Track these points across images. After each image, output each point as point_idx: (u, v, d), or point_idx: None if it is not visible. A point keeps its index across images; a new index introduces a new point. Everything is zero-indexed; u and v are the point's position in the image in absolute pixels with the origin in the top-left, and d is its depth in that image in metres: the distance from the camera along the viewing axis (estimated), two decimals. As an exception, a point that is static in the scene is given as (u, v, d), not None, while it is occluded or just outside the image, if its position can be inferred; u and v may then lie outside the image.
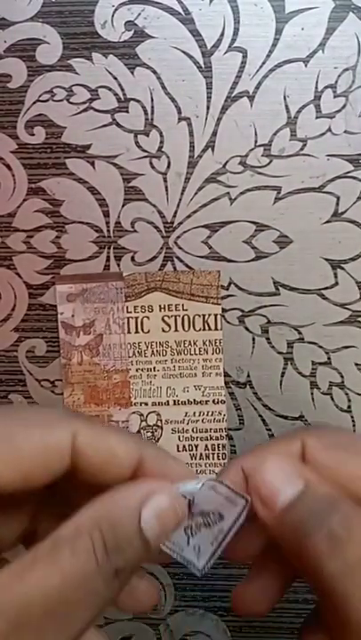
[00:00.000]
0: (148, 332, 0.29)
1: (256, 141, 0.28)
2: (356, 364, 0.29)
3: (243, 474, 0.19)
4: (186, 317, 0.29)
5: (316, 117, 0.28)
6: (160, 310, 0.29)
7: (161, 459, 0.20)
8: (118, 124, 0.29)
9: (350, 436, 0.20)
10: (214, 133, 0.28)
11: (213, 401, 0.29)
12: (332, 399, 0.29)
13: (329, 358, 0.29)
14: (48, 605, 0.15)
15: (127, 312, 0.29)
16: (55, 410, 0.21)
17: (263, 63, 0.28)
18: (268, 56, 0.28)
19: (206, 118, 0.28)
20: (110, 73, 0.29)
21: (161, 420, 0.29)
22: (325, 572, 0.16)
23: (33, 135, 0.29)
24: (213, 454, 0.29)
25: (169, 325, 0.29)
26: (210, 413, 0.29)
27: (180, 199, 0.29)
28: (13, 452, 0.17)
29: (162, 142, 0.29)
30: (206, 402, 0.29)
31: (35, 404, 0.30)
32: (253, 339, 0.29)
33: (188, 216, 0.29)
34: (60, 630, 0.15)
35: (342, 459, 0.18)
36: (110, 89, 0.29)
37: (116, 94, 0.29)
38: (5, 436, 0.18)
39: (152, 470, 0.19)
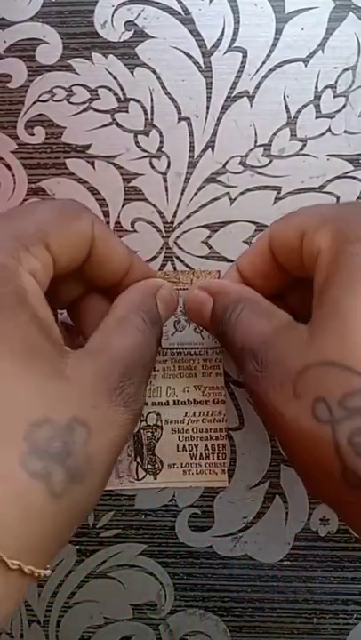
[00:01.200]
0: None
1: (256, 141, 0.28)
2: (356, 364, 0.29)
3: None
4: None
5: (316, 117, 0.28)
6: (160, 310, 0.29)
7: (146, 267, 0.27)
8: (118, 124, 0.29)
9: None
10: (214, 133, 0.28)
11: (213, 401, 0.29)
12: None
13: (329, 358, 0.29)
14: (138, 356, 0.21)
15: (127, 312, 0.29)
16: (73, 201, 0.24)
17: (263, 63, 0.28)
18: (268, 56, 0.28)
19: (206, 118, 0.28)
20: (110, 73, 0.29)
21: (161, 420, 0.29)
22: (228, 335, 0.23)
23: (33, 135, 0.29)
24: (213, 454, 0.29)
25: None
26: (210, 413, 0.29)
27: (180, 199, 0.29)
28: (65, 238, 0.22)
29: (162, 142, 0.29)
30: (206, 402, 0.29)
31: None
32: (253, 339, 0.29)
33: (188, 216, 0.29)
34: (144, 373, 0.22)
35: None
36: (110, 89, 0.29)
37: (115, 94, 0.29)
38: (57, 223, 0.21)
39: (139, 273, 0.25)
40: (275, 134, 0.28)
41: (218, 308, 0.24)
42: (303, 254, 0.22)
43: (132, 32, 0.28)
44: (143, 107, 0.29)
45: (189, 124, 0.28)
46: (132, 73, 0.28)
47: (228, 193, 0.29)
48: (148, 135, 0.29)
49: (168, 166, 0.29)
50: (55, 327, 0.20)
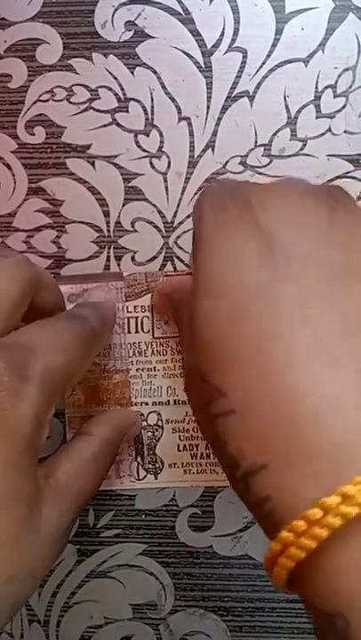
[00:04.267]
0: (148, 331, 0.29)
1: (256, 141, 0.28)
2: (356, 364, 0.29)
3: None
4: (186, 317, 0.29)
5: (316, 117, 0.28)
6: (160, 310, 0.29)
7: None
8: (118, 124, 0.29)
9: None
10: (214, 133, 0.28)
11: (214, 401, 0.29)
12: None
13: (329, 358, 0.29)
14: (92, 495, 0.22)
15: (127, 312, 0.29)
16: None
17: (263, 63, 0.28)
18: (268, 56, 0.28)
19: (206, 118, 0.28)
20: (110, 73, 0.29)
21: (161, 420, 0.29)
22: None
23: (33, 135, 0.29)
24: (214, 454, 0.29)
25: (169, 325, 0.29)
26: (210, 413, 0.29)
27: (181, 199, 0.29)
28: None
29: (162, 142, 0.29)
30: (206, 402, 0.29)
31: None
32: (253, 338, 0.29)
33: (188, 216, 0.29)
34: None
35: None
36: (110, 89, 0.29)
37: (116, 94, 0.29)
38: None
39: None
40: (275, 134, 0.28)
41: (174, 309, 0.25)
42: None
43: (132, 32, 0.28)
44: (143, 107, 0.29)
45: (190, 124, 0.29)
46: (132, 73, 0.28)
47: (228, 193, 0.29)
48: (148, 135, 0.29)
49: (168, 166, 0.29)
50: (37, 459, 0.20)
